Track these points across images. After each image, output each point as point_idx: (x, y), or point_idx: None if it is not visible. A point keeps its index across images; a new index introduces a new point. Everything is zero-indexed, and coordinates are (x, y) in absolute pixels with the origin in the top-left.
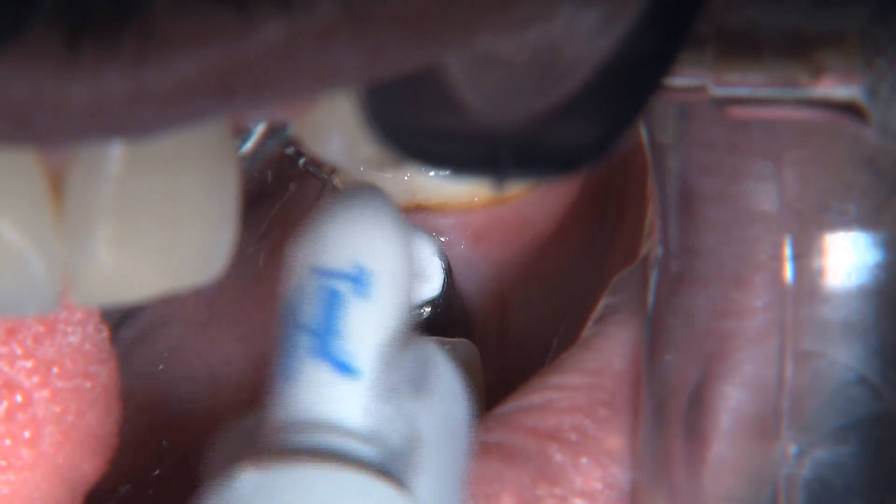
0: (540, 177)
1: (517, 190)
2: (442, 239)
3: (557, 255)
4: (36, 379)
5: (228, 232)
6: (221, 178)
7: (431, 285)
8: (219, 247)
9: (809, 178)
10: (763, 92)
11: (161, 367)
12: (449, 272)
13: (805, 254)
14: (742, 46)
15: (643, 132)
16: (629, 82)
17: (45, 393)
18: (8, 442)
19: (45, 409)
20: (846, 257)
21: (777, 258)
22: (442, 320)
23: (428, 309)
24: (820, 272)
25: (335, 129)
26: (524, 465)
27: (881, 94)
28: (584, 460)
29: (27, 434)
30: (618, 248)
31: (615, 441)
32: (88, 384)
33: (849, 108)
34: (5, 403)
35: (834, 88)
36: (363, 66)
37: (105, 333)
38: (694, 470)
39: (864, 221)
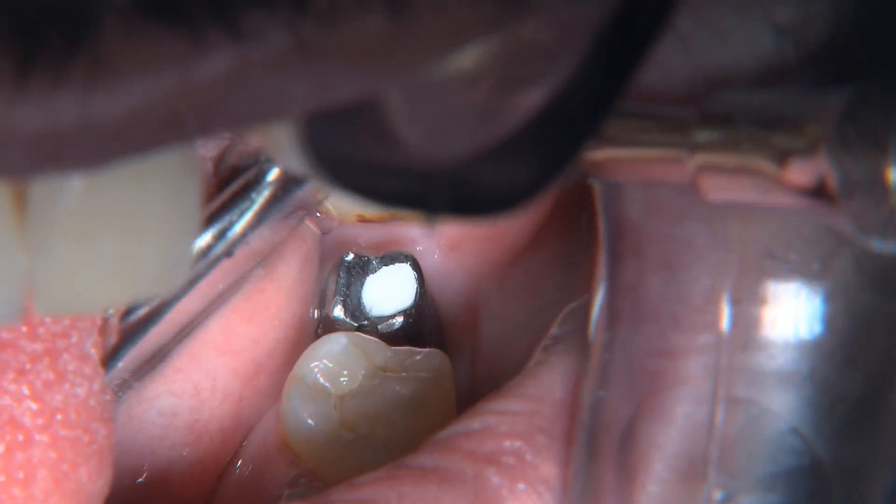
0: (471, 216)
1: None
2: (416, 248)
3: (531, 266)
4: (40, 421)
5: (190, 243)
6: (183, 189)
7: (404, 295)
8: (180, 257)
9: (754, 224)
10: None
11: (139, 383)
12: (422, 282)
13: (744, 299)
14: (721, 132)
15: None
16: (565, 129)
17: (46, 438)
18: (2, 478)
19: (43, 453)
20: (785, 306)
21: (715, 302)
22: (414, 330)
23: (400, 319)
24: (757, 319)
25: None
26: (461, 488)
27: (854, 195)
28: (520, 486)
29: (21, 474)
30: (591, 261)
31: (550, 469)
32: (87, 438)
33: (821, 195)
34: (7, 439)
35: (802, 177)
36: (311, 95)
37: (109, 395)
38: None
39: (806, 271)
